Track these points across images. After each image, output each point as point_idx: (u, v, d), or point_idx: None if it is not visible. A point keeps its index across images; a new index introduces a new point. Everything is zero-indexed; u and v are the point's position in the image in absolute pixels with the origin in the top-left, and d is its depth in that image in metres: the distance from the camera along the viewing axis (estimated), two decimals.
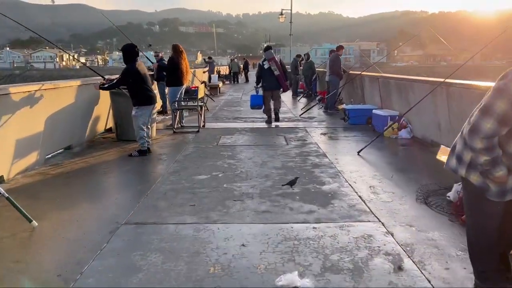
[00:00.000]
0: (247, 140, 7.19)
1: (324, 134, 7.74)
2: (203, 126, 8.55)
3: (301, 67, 16.36)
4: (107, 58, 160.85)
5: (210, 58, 20.19)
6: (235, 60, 35.87)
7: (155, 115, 8.48)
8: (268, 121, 9.06)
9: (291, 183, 4.35)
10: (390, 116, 7.55)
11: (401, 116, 6.99)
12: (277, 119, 9.13)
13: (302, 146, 6.56)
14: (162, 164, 5.54)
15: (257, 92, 9.30)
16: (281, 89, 9.10)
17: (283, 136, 7.51)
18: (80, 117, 6.63)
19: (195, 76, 17.57)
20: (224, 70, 30.56)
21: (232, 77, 27.81)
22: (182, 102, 8.80)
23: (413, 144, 6.67)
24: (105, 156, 6.04)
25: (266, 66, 8.68)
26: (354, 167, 5.19)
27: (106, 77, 6.67)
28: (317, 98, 13.05)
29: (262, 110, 9.27)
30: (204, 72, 20.02)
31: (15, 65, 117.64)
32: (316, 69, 16.12)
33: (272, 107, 9.16)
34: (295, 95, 16.47)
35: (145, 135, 5.92)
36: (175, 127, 8.17)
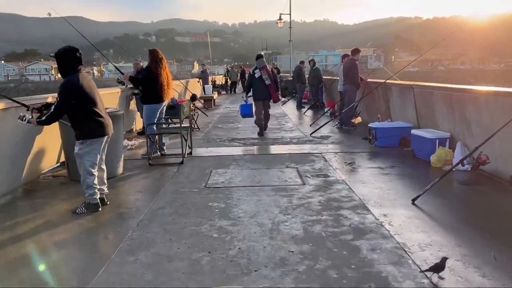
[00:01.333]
0: (247, 176, 5.24)
1: (349, 163, 5.81)
2: (190, 153, 6.62)
3: (307, 75, 14.49)
4: (103, 69, 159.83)
5: (203, 65, 18.32)
6: (234, 69, 34.13)
7: (124, 143, 6.57)
8: (260, 133, 8.72)
9: (437, 269, 2.55)
10: (439, 139, 5.64)
11: (478, 147, 4.16)
12: (265, 127, 8.90)
13: (326, 188, 4.62)
14: (117, 230, 3.58)
15: (246, 101, 9.04)
16: (271, 100, 8.75)
17: (295, 168, 5.58)
18: (9, 154, 4.68)
19: (187, 89, 15.71)
20: (220, 80, 28.74)
21: (230, 87, 25.96)
22: (164, 125, 6.89)
23: (482, 181, 4.72)
24: (40, 211, 4.09)
25: (257, 75, 8.36)
26: (421, 235, 3.23)
27: (30, 106, 4.36)
28: (327, 111, 11.13)
29: (254, 121, 8.94)
30: (198, 81, 18.13)
31: (9, 78, 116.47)
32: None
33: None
34: (299, 106, 14.58)
35: (95, 182, 3.97)
36: (152, 156, 6.24)
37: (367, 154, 6.42)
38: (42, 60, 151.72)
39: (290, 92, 20.83)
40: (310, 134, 8.44)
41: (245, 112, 9.05)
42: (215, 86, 25.22)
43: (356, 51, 9.24)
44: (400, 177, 4.99)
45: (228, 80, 26.08)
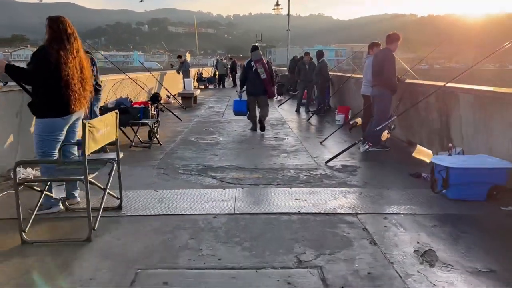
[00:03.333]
0: None
1: (424, 255, 2.89)
2: (119, 207, 3.66)
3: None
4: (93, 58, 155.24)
5: (180, 56, 15.18)
6: (223, 60, 31.02)
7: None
8: (253, 128, 8.30)
9: None
10: None
11: None
12: (262, 128, 8.16)
13: None
14: None
15: (240, 97, 8.51)
16: (267, 96, 8.11)
17: (317, 269, 2.64)
18: None
19: (162, 85, 12.62)
20: (208, 72, 25.64)
21: (218, 80, 22.91)
22: (74, 155, 3.91)
23: None
24: None
25: (252, 69, 7.84)
26: None
27: None
28: (341, 121, 8.18)
29: (246, 117, 8.41)
30: (177, 73, 15.05)
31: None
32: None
33: (257, 114, 8.26)
34: (299, 109, 11.66)
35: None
36: (45, 212, 3.29)
37: (441, 223, 3.48)
38: (29, 46, 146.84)
39: (288, 89, 17.89)
40: (326, 163, 5.51)
41: (239, 108, 8.37)
42: (201, 79, 22.23)
43: (394, 38, 6.26)
44: None
45: (216, 72, 23.03)
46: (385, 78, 6.05)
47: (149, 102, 7.18)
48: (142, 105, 7.03)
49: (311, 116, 9.99)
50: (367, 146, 5.62)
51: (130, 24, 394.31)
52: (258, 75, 7.80)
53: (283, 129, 8.53)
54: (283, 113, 11.40)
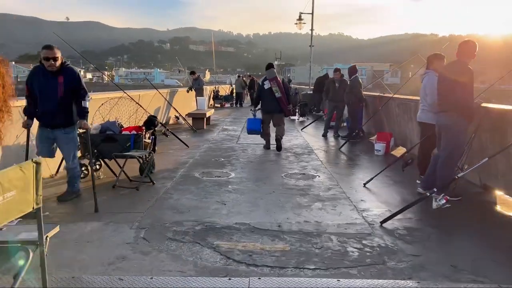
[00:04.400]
0: None
1: None
2: None
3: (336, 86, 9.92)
4: (114, 74, 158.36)
5: (193, 73, 13.72)
6: (242, 78, 29.76)
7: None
8: (266, 147, 7.97)
9: None
10: None
11: None
12: (278, 148, 7.64)
13: None
14: None
15: (254, 115, 8.07)
16: (283, 114, 7.76)
17: None
18: None
19: (171, 105, 11.17)
20: (226, 90, 24.30)
21: (235, 98, 21.48)
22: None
23: None
24: None
25: (266, 87, 7.62)
26: None
27: None
28: (404, 160, 6.38)
29: (260, 135, 8.07)
30: (187, 91, 13.61)
31: (19, 80, 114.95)
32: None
33: (273, 133, 7.89)
34: (332, 133, 10.01)
35: None
36: None
37: None
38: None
39: (311, 109, 16.26)
40: (381, 223, 3.80)
41: (252, 127, 8.07)
42: (217, 97, 20.87)
43: (471, 48, 4.56)
44: None
45: (233, 90, 21.65)
46: (461, 102, 4.35)
47: (143, 127, 5.66)
48: (133, 132, 5.51)
49: (344, 144, 8.27)
50: (444, 201, 3.90)
51: (152, 42, 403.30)
52: (273, 94, 7.54)
53: (311, 161, 6.85)
54: (308, 138, 9.74)
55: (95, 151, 5.30)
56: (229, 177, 5.63)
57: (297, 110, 15.02)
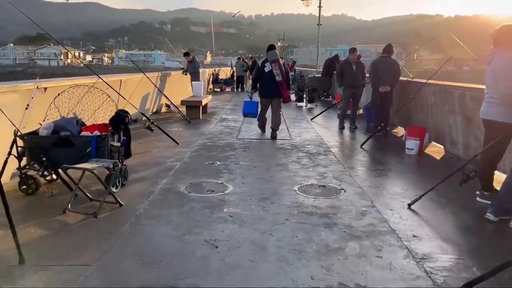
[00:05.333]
0: None
1: None
2: None
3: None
4: (113, 56, 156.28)
5: (187, 54, 12.06)
6: (243, 60, 28.09)
7: None
8: (262, 129, 7.74)
9: None
10: None
11: None
12: (273, 137, 7.27)
13: None
14: None
15: (251, 98, 7.66)
16: (281, 99, 7.29)
17: None
18: None
19: (162, 93, 9.67)
20: (226, 73, 22.72)
21: (236, 82, 19.92)
22: None
23: None
24: None
25: (267, 69, 7.10)
26: None
27: None
28: (464, 173, 4.85)
29: (257, 118, 7.74)
30: (184, 74, 12.07)
31: (17, 62, 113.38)
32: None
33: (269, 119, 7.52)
34: (343, 123, 8.57)
35: None
36: None
37: None
38: (51, 44, 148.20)
39: (320, 95, 14.75)
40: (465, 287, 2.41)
41: (248, 110, 7.76)
42: (217, 81, 19.34)
43: None
44: None
45: (234, 73, 20.10)
46: None
47: (109, 126, 4.23)
48: (96, 132, 4.08)
49: (367, 140, 6.80)
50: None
51: (153, 23, 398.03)
52: (273, 77, 7.06)
53: (330, 165, 5.43)
54: (320, 131, 8.30)
55: (44, 158, 3.91)
56: (226, 191, 4.23)
57: (304, 96, 13.54)
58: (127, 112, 4.25)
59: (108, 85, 6.35)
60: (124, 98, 6.59)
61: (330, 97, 15.62)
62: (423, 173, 5.25)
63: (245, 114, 7.88)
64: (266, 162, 5.54)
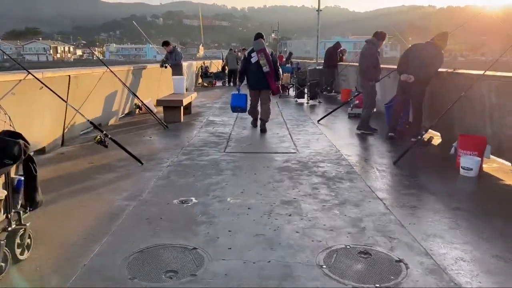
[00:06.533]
0: None
1: None
2: None
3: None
4: (104, 50, 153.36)
5: (167, 43, 9.97)
6: (236, 52, 26.08)
7: None
8: (254, 124, 7.29)
9: None
10: None
11: None
12: (262, 130, 6.87)
13: None
14: None
15: (238, 90, 7.25)
16: (270, 91, 6.94)
17: None
18: None
19: (133, 93, 7.70)
20: (217, 66, 20.78)
21: (228, 76, 17.99)
22: None
23: None
24: None
25: (253, 60, 6.79)
26: None
27: None
28: None
29: (247, 111, 7.32)
30: (162, 67, 10.12)
31: (5, 57, 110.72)
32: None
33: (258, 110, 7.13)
34: (365, 128, 6.74)
35: None
36: None
37: None
38: (40, 39, 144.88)
39: (323, 89, 12.90)
40: None
41: (237, 103, 7.25)
42: (207, 75, 17.44)
43: None
44: None
45: (226, 66, 18.19)
46: None
47: None
48: None
49: (404, 155, 4.91)
50: None
51: (145, 17, 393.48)
52: (260, 67, 6.72)
53: (364, 203, 3.58)
54: (333, 137, 6.47)
55: None
56: (199, 272, 2.38)
57: (305, 92, 11.70)
58: (18, 136, 2.37)
59: (42, 83, 4.48)
60: (65, 101, 4.72)
61: (333, 91, 13.80)
62: (508, 212, 3.43)
63: (234, 109, 7.35)
64: (266, 197, 3.69)
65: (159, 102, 7.81)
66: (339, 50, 14.97)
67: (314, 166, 4.75)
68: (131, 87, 7.98)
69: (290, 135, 6.71)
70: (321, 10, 16.60)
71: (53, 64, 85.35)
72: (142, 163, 4.72)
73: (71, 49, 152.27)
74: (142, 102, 7.35)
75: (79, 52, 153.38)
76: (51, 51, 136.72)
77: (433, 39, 6.00)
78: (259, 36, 6.93)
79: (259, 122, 7.09)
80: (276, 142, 6.20)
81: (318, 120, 8.04)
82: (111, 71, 6.89)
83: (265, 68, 6.70)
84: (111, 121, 7.68)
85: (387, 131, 6.42)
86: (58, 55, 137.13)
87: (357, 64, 7.92)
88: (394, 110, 6.40)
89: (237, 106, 7.28)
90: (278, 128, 7.32)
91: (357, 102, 8.17)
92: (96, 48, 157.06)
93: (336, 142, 6.11)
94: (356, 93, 8.96)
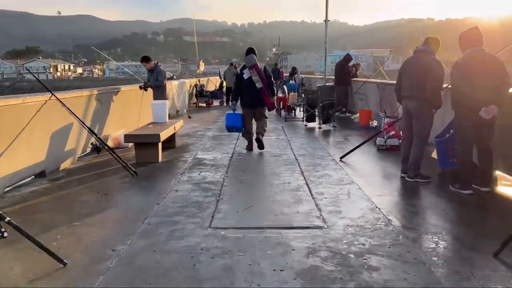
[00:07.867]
0: None
1: None
2: None
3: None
4: (104, 68, 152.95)
5: (146, 59, 7.88)
6: (236, 67, 24.12)
7: None
8: (249, 148, 6.83)
9: None
10: None
11: None
12: (260, 146, 6.65)
13: None
14: None
15: (233, 110, 6.92)
16: (265, 107, 6.82)
17: None
18: None
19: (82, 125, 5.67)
20: (215, 84, 18.91)
21: (226, 95, 16.06)
22: None
23: None
24: None
25: (245, 76, 6.60)
26: None
27: None
28: None
29: (241, 134, 7.14)
30: (140, 88, 8.13)
31: (5, 76, 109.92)
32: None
33: (254, 128, 6.88)
34: (414, 175, 4.73)
35: None
36: None
37: None
38: (40, 57, 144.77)
39: (336, 111, 10.93)
40: None
41: (232, 123, 6.89)
42: (202, 95, 15.54)
43: None
44: None
45: (223, 84, 16.30)
46: None
47: None
48: None
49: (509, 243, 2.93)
50: None
51: (146, 34, 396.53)
52: (253, 84, 6.45)
53: None
54: (371, 190, 4.45)
55: None
56: None
57: (316, 114, 9.76)
58: None
59: None
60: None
61: (347, 113, 11.85)
62: None
63: (229, 129, 7.01)
64: None
65: (127, 138, 5.80)
66: (351, 64, 13.09)
67: (361, 265, 2.72)
68: (96, 117, 6.00)
69: (308, 185, 4.70)
70: (329, 21, 14.69)
71: (52, 82, 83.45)
72: (64, 264, 2.69)
73: (71, 67, 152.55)
74: (99, 139, 5.31)
75: (79, 70, 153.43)
76: (51, 69, 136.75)
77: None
78: (250, 51, 6.67)
79: (255, 144, 6.68)
80: (289, 200, 4.18)
81: (341, 158, 6.04)
82: (57, 98, 4.92)
83: (258, 85, 6.47)
84: (65, 164, 5.68)
85: (452, 181, 4.42)
86: (58, 73, 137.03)
87: (377, 80, 6.08)
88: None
89: (233, 126, 6.94)
90: (289, 172, 5.32)
91: (393, 132, 6.16)
92: (97, 66, 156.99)
93: (377, 200, 4.09)
94: (385, 118, 7.00)
